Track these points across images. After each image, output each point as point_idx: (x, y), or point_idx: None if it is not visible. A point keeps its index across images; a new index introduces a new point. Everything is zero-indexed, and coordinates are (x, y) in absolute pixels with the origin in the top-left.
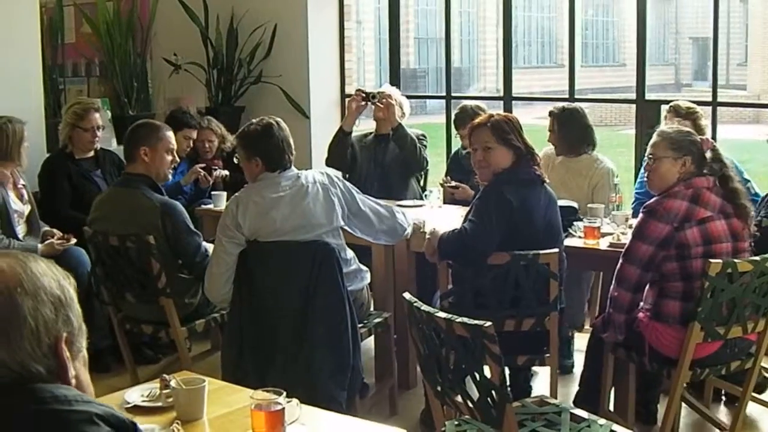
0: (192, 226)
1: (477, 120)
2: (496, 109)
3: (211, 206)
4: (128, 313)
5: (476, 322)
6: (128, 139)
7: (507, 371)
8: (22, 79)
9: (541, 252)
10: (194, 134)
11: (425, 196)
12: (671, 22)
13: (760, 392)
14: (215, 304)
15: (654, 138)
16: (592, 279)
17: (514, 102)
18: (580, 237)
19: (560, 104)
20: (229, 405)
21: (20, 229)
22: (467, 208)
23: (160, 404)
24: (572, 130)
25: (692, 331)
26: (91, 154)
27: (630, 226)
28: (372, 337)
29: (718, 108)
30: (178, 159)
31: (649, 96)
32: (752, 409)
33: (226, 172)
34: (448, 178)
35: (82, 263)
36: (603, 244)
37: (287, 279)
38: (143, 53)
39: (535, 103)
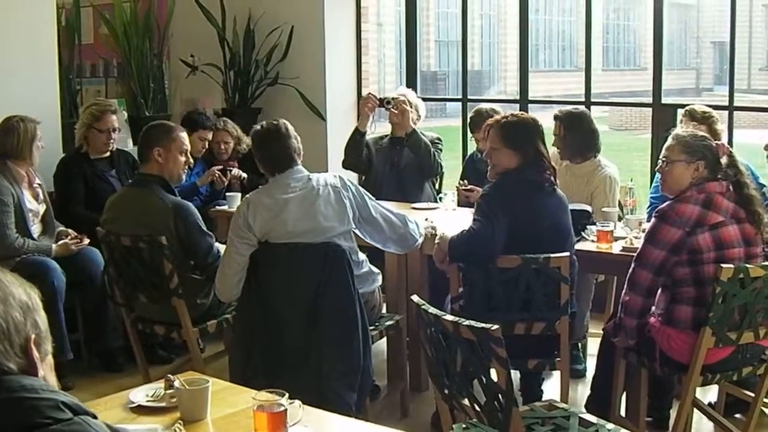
0: (204, 227)
1: (492, 119)
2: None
3: (225, 207)
4: (141, 313)
5: (483, 325)
6: (142, 139)
7: (519, 375)
8: (39, 80)
9: (552, 255)
10: (209, 135)
11: (439, 199)
12: (692, 26)
13: None
14: (227, 305)
15: (668, 141)
16: (593, 291)
17: (530, 105)
18: (593, 241)
19: (566, 108)
20: (233, 406)
21: (35, 229)
22: None
23: (163, 404)
24: (578, 135)
25: (703, 337)
26: (107, 154)
27: (644, 231)
28: (385, 340)
29: (738, 112)
30: (192, 160)
31: (668, 100)
32: None
33: (244, 175)
34: (465, 181)
35: (95, 263)
36: (616, 248)
37: (298, 280)
38: (160, 54)
39: (554, 106)
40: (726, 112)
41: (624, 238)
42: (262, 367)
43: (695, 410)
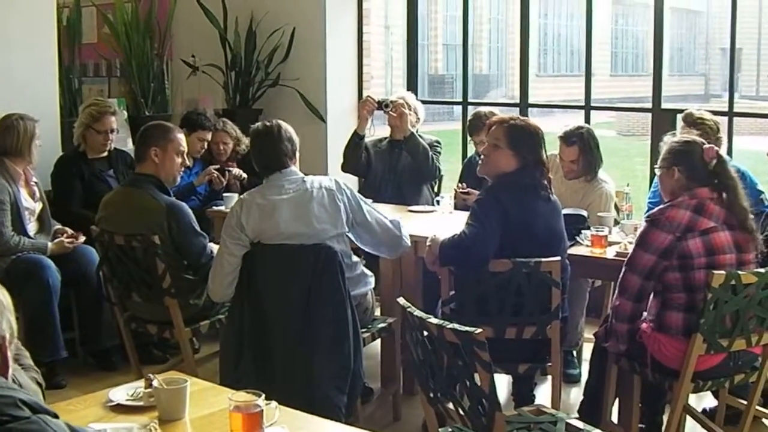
0: (197, 228)
1: (499, 117)
2: None
3: (222, 208)
4: (134, 312)
5: (466, 328)
6: (139, 139)
7: (510, 379)
8: (38, 78)
9: (543, 260)
10: (208, 136)
11: (437, 202)
12: (701, 32)
13: None
14: (220, 305)
15: None
16: (587, 298)
17: (531, 109)
18: (587, 245)
19: (570, 128)
20: (212, 406)
21: (31, 227)
22: None
23: (142, 403)
24: (590, 155)
25: (694, 343)
26: (105, 154)
27: None
28: (378, 343)
29: (743, 119)
30: (188, 162)
31: (674, 105)
32: None
33: (244, 175)
34: (463, 184)
35: (91, 262)
36: (610, 253)
37: (289, 282)
38: (161, 54)
39: (555, 111)
40: (726, 118)
41: (618, 243)
42: (253, 368)
43: (689, 417)
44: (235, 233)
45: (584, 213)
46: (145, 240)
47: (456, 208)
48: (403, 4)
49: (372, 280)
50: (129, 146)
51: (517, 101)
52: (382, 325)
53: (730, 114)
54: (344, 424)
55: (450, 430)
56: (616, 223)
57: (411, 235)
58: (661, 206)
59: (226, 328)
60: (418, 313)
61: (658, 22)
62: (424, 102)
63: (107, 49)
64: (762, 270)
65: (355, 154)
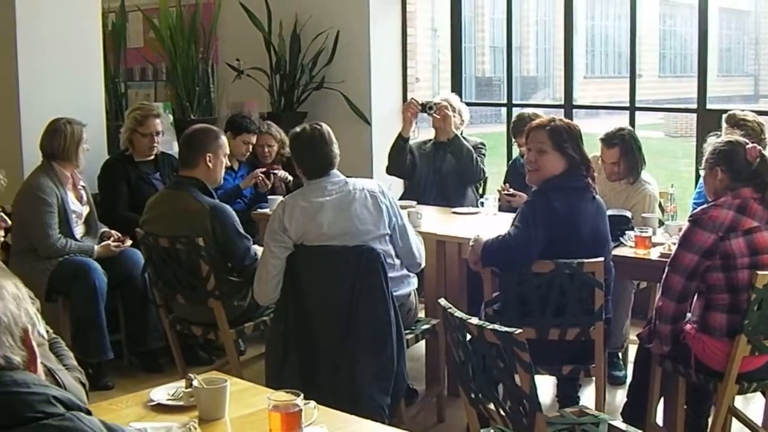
0: (241, 230)
1: (537, 121)
2: None
3: (267, 210)
4: (179, 314)
5: (506, 329)
6: (189, 145)
7: (555, 381)
8: (84, 83)
9: (586, 261)
10: (253, 139)
11: (481, 204)
12: (750, 32)
13: None
14: (265, 307)
15: None
16: (632, 300)
17: (575, 110)
18: (631, 246)
19: (611, 130)
20: (252, 406)
21: (78, 230)
22: None
23: (182, 403)
24: (632, 157)
25: (739, 344)
26: (151, 157)
27: None
28: (423, 344)
29: None
30: (230, 163)
31: (717, 106)
32: None
33: (290, 177)
34: (507, 185)
35: (137, 264)
36: (654, 254)
37: (332, 283)
38: (206, 58)
39: (600, 112)
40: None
41: (662, 244)
42: (297, 369)
43: (735, 420)
44: (278, 236)
45: (628, 214)
46: (189, 242)
47: (500, 210)
48: (448, 6)
49: (414, 280)
50: (174, 149)
51: (562, 102)
52: (426, 326)
53: None
54: (387, 425)
55: (492, 431)
56: (661, 224)
57: (455, 237)
58: (704, 206)
59: (271, 329)
60: (458, 314)
61: (703, 22)
62: (468, 104)
63: (153, 53)
64: None
65: (400, 157)
